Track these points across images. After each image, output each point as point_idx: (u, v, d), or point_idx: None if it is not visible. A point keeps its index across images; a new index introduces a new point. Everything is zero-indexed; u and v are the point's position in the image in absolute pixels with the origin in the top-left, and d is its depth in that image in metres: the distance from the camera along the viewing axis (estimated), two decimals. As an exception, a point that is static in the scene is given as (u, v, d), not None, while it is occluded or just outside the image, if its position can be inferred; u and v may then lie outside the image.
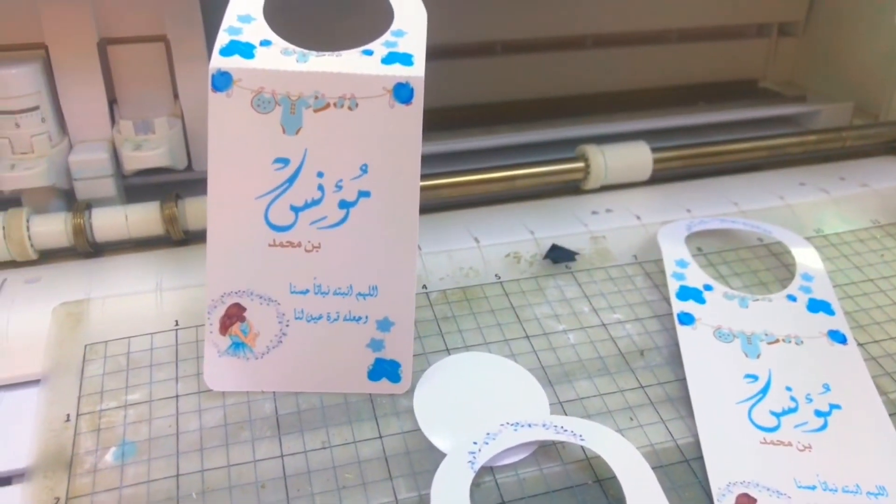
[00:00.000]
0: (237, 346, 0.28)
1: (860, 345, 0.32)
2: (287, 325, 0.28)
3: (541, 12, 0.50)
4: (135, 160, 0.35)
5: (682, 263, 0.35)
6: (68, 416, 0.27)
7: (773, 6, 0.54)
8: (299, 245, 0.28)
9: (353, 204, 0.27)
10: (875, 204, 0.41)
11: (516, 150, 0.45)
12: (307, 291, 0.28)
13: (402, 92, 0.26)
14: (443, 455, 0.26)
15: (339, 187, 0.27)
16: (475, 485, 0.25)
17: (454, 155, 0.44)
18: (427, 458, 0.26)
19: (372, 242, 0.28)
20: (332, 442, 0.27)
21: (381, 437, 0.27)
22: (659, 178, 0.42)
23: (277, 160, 0.27)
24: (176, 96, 0.37)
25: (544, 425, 0.27)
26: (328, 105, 0.26)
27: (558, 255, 0.36)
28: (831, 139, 0.45)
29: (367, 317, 0.28)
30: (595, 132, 0.46)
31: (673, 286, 0.34)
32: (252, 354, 0.28)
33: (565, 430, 0.27)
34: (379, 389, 0.28)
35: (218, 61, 0.26)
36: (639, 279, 0.35)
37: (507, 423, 0.27)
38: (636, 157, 0.41)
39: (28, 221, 0.33)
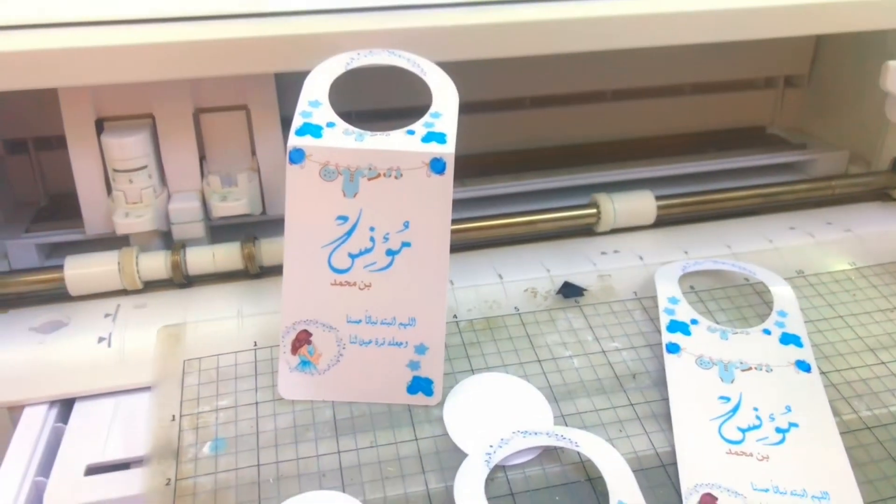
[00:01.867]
0: (304, 364, 0.35)
1: (823, 373, 0.38)
2: (344, 348, 0.35)
3: (566, 70, 0.56)
4: (221, 209, 0.43)
5: (673, 300, 0.41)
6: (174, 416, 0.35)
7: (779, 60, 0.60)
8: (354, 284, 0.35)
9: (397, 252, 0.35)
10: (855, 248, 0.46)
11: (541, 194, 0.52)
12: (360, 321, 0.35)
13: (437, 165, 0.34)
14: (465, 455, 0.33)
15: (386, 239, 0.34)
16: (490, 479, 0.32)
17: (482, 199, 0.50)
18: (453, 457, 0.33)
19: (411, 283, 0.35)
20: (378, 442, 0.34)
21: (416, 439, 0.34)
22: (663, 221, 0.48)
23: (339, 217, 0.34)
24: (254, 154, 0.45)
25: (548, 434, 0.34)
26: (379, 175, 0.34)
27: (569, 291, 0.42)
28: (821, 188, 0.50)
29: (407, 342, 0.35)
30: (612, 179, 0.53)
31: (664, 320, 0.40)
32: (316, 371, 0.35)
33: (564, 439, 0.34)
34: (415, 401, 0.35)
35: (294, 140, 0.34)
36: (637, 313, 0.41)
37: (518, 431, 0.34)
38: (641, 205, 0.47)
39: (137, 258, 0.41)
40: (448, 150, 0.34)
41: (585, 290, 0.42)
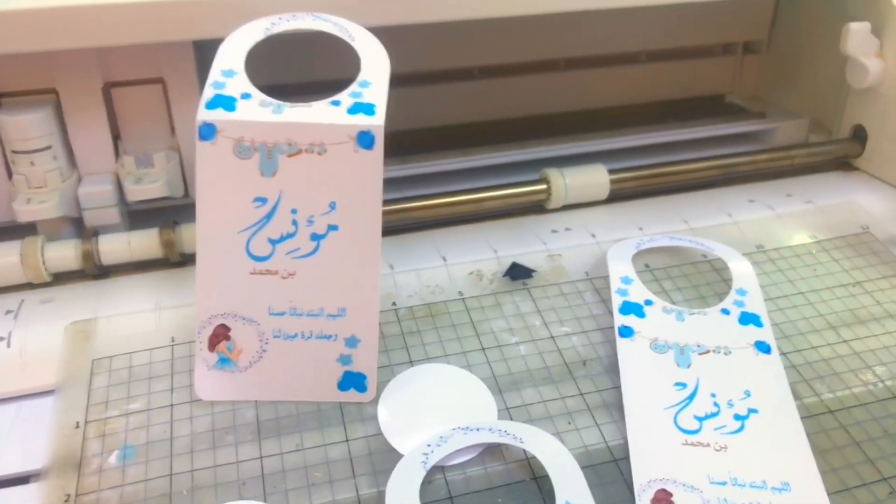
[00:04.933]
0: (223, 361, 0.32)
1: (783, 354, 0.35)
2: (267, 343, 0.32)
3: (517, 38, 0.53)
4: (136, 192, 0.39)
5: (626, 280, 0.38)
6: (77, 423, 0.31)
7: (737, 26, 0.58)
8: (276, 273, 0.32)
9: (323, 236, 0.31)
10: (816, 220, 0.44)
11: (489, 170, 0.49)
12: (284, 313, 0.32)
13: (364, 139, 0.30)
14: (401, 456, 0.30)
15: (310, 222, 0.31)
16: (427, 482, 0.29)
17: (426, 176, 0.47)
18: (387, 459, 0.30)
19: (340, 270, 0.32)
20: (305, 445, 0.31)
21: (347, 440, 0.31)
22: (618, 196, 0.46)
23: (256, 199, 0.31)
24: (173, 132, 0.41)
25: (490, 429, 0.31)
26: (300, 151, 0.30)
27: (517, 273, 0.39)
28: (780, 158, 0.48)
29: (336, 335, 0.32)
30: (564, 153, 0.50)
31: (616, 301, 0.37)
32: (236, 368, 0.32)
33: (508, 434, 0.31)
34: (347, 398, 0.32)
35: (203, 114, 0.30)
36: (588, 294, 0.39)
37: (458, 428, 0.31)
38: (594, 179, 0.45)
39: (42, 248, 0.38)
40: (377, 121, 0.30)
41: (534, 271, 0.40)
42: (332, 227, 0.31)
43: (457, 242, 0.42)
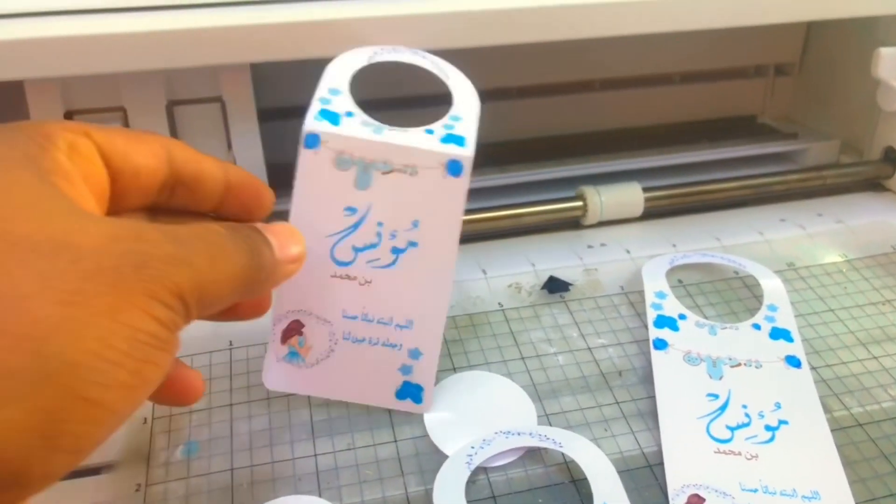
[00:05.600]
0: (293, 354, 0.34)
1: (814, 368, 0.37)
2: (336, 343, 0.34)
3: (554, 59, 0.55)
4: (196, 204, 0.41)
5: (660, 295, 0.40)
6: (145, 419, 0.34)
7: (769, 49, 0.59)
8: (355, 279, 0.33)
9: (402, 251, 0.33)
10: (846, 239, 0.45)
11: (526, 186, 0.50)
12: (356, 317, 0.34)
13: (454, 167, 0.32)
14: (446, 457, 0.32)
15: (393, 236, 0.33)
16: (471, 482, 0.31)
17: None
18: (433, 460, 0.32)
19: (413, 284, 0.33)
20: (356, 444, 0.33)
21: (396, 441, 0.33)
22: (652, 213, 0.47)
23: (347, 209, 0.33)
24: (229, 147, 0.44)
25: (531, 434, 0.33)
26: (394, 170, 0.32)
27: (554, 287, 0.41)
28: (812, 178, 0.49)
29: (401, 345, 0.34)
30: (599, 171, 0.51)
31: (651, 315, 0.39)
32: (303, 363, 0.34)
33: (548, 439, 0.33)
34: (403, 407, 0.34)
35: (311, 125, 0.32)
36: (623, 308, 0.40)
37: (500, 431, 0.33)
38: (629, 197, 0.46)
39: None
40: (466, 153, 0.32)
41: (571, 284, 0.41)
42: (412, 244, 0.33)
43: (496, 256, 0.44)
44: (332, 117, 0.33)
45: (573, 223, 0.47)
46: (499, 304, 0.40)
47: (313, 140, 0.32)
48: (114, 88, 0.41)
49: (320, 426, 0.33)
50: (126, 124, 0.41)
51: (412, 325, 0.33)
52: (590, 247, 0.45)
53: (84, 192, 0.23)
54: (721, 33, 0.55)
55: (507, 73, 0.54)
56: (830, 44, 0.57)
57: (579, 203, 0.46)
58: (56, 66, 0.36)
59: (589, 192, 0.46)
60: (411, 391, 0.34)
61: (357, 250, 0.33)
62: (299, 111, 0.54)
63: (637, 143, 0.55)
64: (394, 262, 0.33)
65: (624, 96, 0.58)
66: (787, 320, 0.39)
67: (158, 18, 0.38)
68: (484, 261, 0.43)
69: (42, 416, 0.18)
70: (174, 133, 0.43)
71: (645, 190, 0.47)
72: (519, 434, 0.33)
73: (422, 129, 0.33)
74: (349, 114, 0.33)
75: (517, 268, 0.42)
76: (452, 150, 0.32)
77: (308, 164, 0.32)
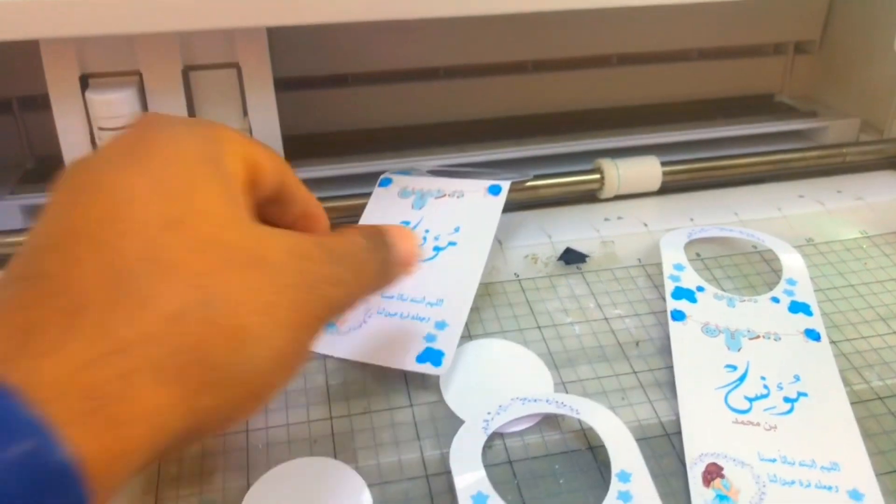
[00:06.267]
0: (330, 326, 0.36)
1: (833, 342, 0.36)
2: (370, 317, 0.36)
3: (571, 33, 0.55)
4: (211, 170, 0.41)
5: (679, 267, 0.40)
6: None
7: (789, 26, 0.58)
8: None
9: (442, 249, 0.38)
10: (866, 216, 0.45)
11: (544, 159, 0.50)
12: (393, 297, 0.36)
13: (494, 189, 0.40)
14: (462, 422, 0.32)
15: (437, 238, 0.38)
16: (487, 446, 0.31)
17: (486, 164, 0.49)
18: (449, 424, 0.32)
19: (448, 274, 0.36)
20: (372, 408, 0.32)
21: (412, 405, 0.33)
22: (669, 188, 0.47)
23: (402, 222, 0.40)
24: (245, 113, 0.43)
25: (547, 401, 0.33)
26: (445, 195, 0.40)
27: (571, 258, 0.41)
28: (832, 155, 0.49)
29: (429, 318, 0.35)
30: (616, 145, 0.51)
31: (669, 287, 0.38)
32: (336, 332, 0.35)
33: (565, 406, 0.32)
34: (422, 369, 0.34)
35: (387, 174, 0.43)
36: (640, 280, 0.40)
37: (517, 398, 0.33)
38: (647, 170, 0.46)
39: (123, 220, 0.40)
40: (505, 182, 0.40)
41: (588, 256, 0.41)
42: (452, 244, 0.38)
43: (512, 227, 0.43)
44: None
45: (590, 196, 0.47)
46: (515, 274, 0.40)
47: (385, 181, 0.43)
48: (129, 51, 0.40)
49: (336, 390, 0.33)
50: (141, 88, 0.41)
51: (442, 304, 0.36)
52: (607, 220, 0.44)
53: (243, 194, 0.24)
54: (740, 9, 0.55)
55: (526, 47, 0.54)
56: (851, 21, 0.56)
57: (597, 176, 0.46)
58: (71, 26, 0.36)
59: (607, 164, 0.45)
60: (432, 355, 0.34)
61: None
62: (317, 81, 0.54)
63: (655, 118, 0.55)
64: (433, 257, 0.38)
65: (642, 72, 0.57)
66: (806, 294, 0.38)
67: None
68: (500, 232, 0.43)
69: (227, 412, 0.21)
70: (189, 98, 0.42)
71: (663, 164, 0.46)
72: (536, 401, 0.32)
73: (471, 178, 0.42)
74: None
75: (534, 239, 0.42)
76: (493, 179, 0.41)
77: (378, 195, 0.41)
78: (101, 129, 0.40)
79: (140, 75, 0.41)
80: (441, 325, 0.35)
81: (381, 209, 0.40)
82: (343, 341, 0.35)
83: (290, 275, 0.22)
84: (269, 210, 0.27)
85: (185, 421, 0.20)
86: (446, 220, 0.39)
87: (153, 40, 0.40)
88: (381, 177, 0.41)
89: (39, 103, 0.47)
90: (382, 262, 0.27)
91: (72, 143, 0.41)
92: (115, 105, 0.39)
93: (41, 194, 0.44)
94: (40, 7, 0.35)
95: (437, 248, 0.38)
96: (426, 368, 0.34)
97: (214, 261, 0.20)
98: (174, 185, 0.21)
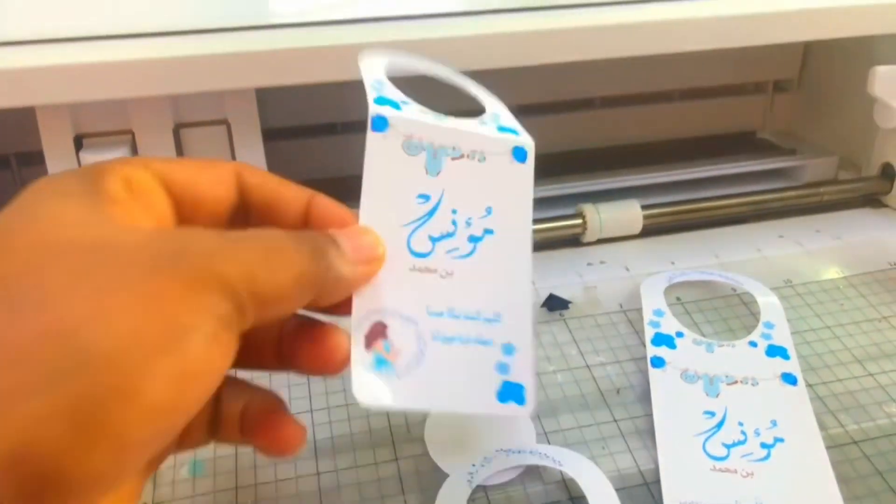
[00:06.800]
0: (380, 363, 0.30)
1: (809, 385, 0.37)
2: (426, 345, 0.30)
3: (553, 77, 0.56)
4: (202, 225, 0.42)
5: (658, 313, 0.41)
6: (152, 438, 0.34)
7: (768, 65, 0.60)
8: (436, 271, 0.30)
9: (479, 239, 0.31)
10: (844, 256, 0.46)
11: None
12: (442, 314, 0.30)
13: (519, 153, 0.31)
14: (446, 475, 0.33)
15: (468, 223, 0.31)
16: (471, 500, 0.32)
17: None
18: (433, 478, 0.33)
19: (495, 273, 0.31)
20: (358, 463, 0.33)
21: (397, 459, 0.34)
22: (651, 230, 0.48)
23: (420, 196, 0.30)
24: (235, 168, 0.45)
25: (530, 452, 0.33)
26: (463, 156, 0.31)
27: (554, 304, 0.42)
28: (809, 195, 0.50)
29: (493, 340, 0.30)
30: (599, 188, 0.52)
31: (649, 333, 0.39)
32: (394, 373, 0.29)
33: (547, 457, 0.33)
34: (507, 411, 0.31)
35: (376, 108, 0.30)
36: (622, 326, 0.41)
37: (501, 450, 0.34)
38: (628, 215, 0.47)
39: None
40: (527, 140, 0.31)
41: (570, 302, 0.42)
42: (488, 231, 0.31)
43: (497, 274, 0.44)
44: (392, 103, 0.31)
45: (573, 240, 0.48)
46: (499, 322, 0.41)
47: (381, 123, 0.30)
48: (122, 112, 0.42)
49: (322, 445, 0.34)
50: (134, 147, 0.42)
51: (500, 319, 0.31)
52: (589, 264, 0.45)
53: (142, 217, 0.23)
54: (720, 51, 0.56)
55: (507, 91, 0.55)
56: (828, 61, 0.58)
57: (579, 221, 0.47)
58: (66, 93, 0.38)
59: (588, 209, 0.47)
60: (513, 392, 0.30)
61: (434, 240, 0.31)
62: (303, 131, 0.55)
63: (637, 159, 0.56)
64: (473, 251, 0.31)
65: (624, 113, 0.58)
66: (783, 338, 0.39)
67: (165, 44, 0.39)
68: (485, 279, 0.44)
69: (72, 406, 0.18)
70: (180, 153, 0.44)
71: (644, 207, 0.47)
72: (519, 452, 0.33)
73: (475, 121, 0.32)
74: (404, 102, 0.31)
75: (517, 286, 0.43)
76: (513, 138, 0.31)
77: (377, 150, 0.30)
78: (94, 188, 0.41)
79: (132, 134, 0.42)
80: (509, 350, 0.31)
81: (387, 176, 0.30)
82: (407, 386, 0.30)
83: (146, 252, 0.20)
84: (258, 222, 0.27)
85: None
86: (474, 197, 0.31)
87: (146, 102, 0.41)
88: (371, 111, 0.30)
89: (36, 159, 0.48)
90: (314, 254, 0.24)
91: (66, 201, 0.42)
92: (107, 166, 0.40)
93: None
94: (36, 76, 0.37)
95: (473, 239, 0.31)
96: (511, 409, 0.30)
97: (59, 269, 0.19)
98: (40, 208, 0.21)
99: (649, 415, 0.36)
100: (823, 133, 0.58)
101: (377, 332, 0.30)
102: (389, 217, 0.30)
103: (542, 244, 0.47)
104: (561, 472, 0.33)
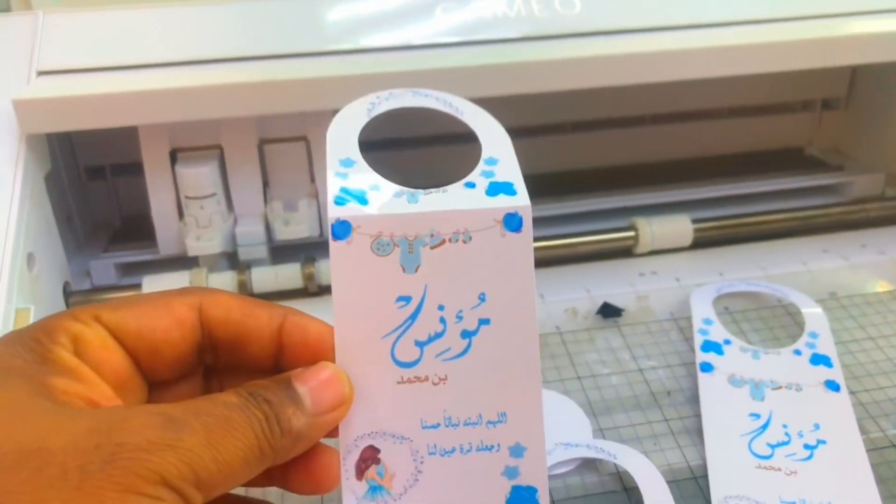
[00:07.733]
0: (374, 489, 0.27)
1: (852, 392, 0.39)
2: (422, 462, 0.28)
3: (606, 95, 0.59)
4: (285, 233, 0.46)
5: (707, 321, 0.43)
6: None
7: (816, 84, 0.62)
8: (426, 379, 0.27)
9: (474, 333, 0.28)
10: (888, 271, 0.48)
11: (581, 216, 0.54)
12: (438, 425, 0.28)
13: (511, 221, 0.27)
14: (509, 465, 0.36)
15: (459, 318, 0.27)
16: (532, 488, 0.35)
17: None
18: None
19: (495, 369, 0.28)
20: None
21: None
22: (700, 243, 0.50)
23: (400, 298, 0.27)
24: (312, 180, 0.48)
25: (587, 446, 0.36)
26: (444, 241, 0.27)
27: (608, 312, 0.45)
28: (855, 210, 0.52)
29: (499, 444, 0.28)
30: (651, 202, 0.55)
31: (698, 340, 0.42)
32: (390, 497, 0.27)
33: (603, 451, 0.36)
34: None
35: (335, 211, 0.27)
36: (673, 333, 0.43)
37: (560, 443, 0.37)
38: (678, 228, 0.49)
39: (207, 278, 0.45)
40: (522, 202, 0.27)
41: (623, 310, 0.45)
42: (484, 322, 0.28)
43: (553, 282, 0.47)
44: (358, 196, 0.27)
45: (626, 251, 0.50)
46: (556, 327, 0.44)
47: (343, 229, 0.26)
48: (213, 129, 0.46)
49: None
50: (222, 160, 0.47)
51: (506, 418, 0.28)
52: (641, 274, 0.48)
53: (94, 382, 0.23)
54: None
55: (563, 110, 0.58)
56: (876, 80, 0.59)
57: (632, 233, 0.49)
58: (165, 114, 0.42)
59: (640, 222, 0.49)
60: (524, 497, 0.28)
61: (421, 344, 0.27)
62: (378, 144, 0.59)
63: (689, 174, 0.58)
64: (467, 349, 0.28)
65: (675, 130, 0.61)
66: (827, 347, 0.42)
67: (253, 68, 0.43)
68: (542, 286, 0.47)
69: None
70: (264, 168, 0.48)
71: (694, 221, 0.50)
72: (577, 446, 0.36)
73: (460, 184, 0.28)
74: (375, 187, 0.28)
75: (573, 293, 0.46)
76: (504, 202, 0.27)
77: (343, 258, 0.27)
78: (188, 197, 0.45)
79: (221, 148, 0.46)
80: (518, 452, 0.28)
81: (360, 284, 0.27)
82: None
83: (75, 457, 0.19)
84: (227, 357, 0.26)
85: None
86: (462, 286, 0.27)
87: (234, 120, 0.46)
88: (330, 216, 0.27)
89: (127, 169, 0.53)
90: (266, 422, 0.23)
91: (162, 209, 0.47)
92: (201, 177, 0.45)
93: (131, 252, 0.50)
94: (141, 98, 0.41)
95: (466, 335, 0.27)
96: None
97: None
98: None
99: (698, 415, 0.38)
100: (870, 150, 0.60)
101: (368, 458, 0.28)
102: (367, 330, 0.27)
103: (596, 255, 0.50)
104: (615, 465, 0.35)
